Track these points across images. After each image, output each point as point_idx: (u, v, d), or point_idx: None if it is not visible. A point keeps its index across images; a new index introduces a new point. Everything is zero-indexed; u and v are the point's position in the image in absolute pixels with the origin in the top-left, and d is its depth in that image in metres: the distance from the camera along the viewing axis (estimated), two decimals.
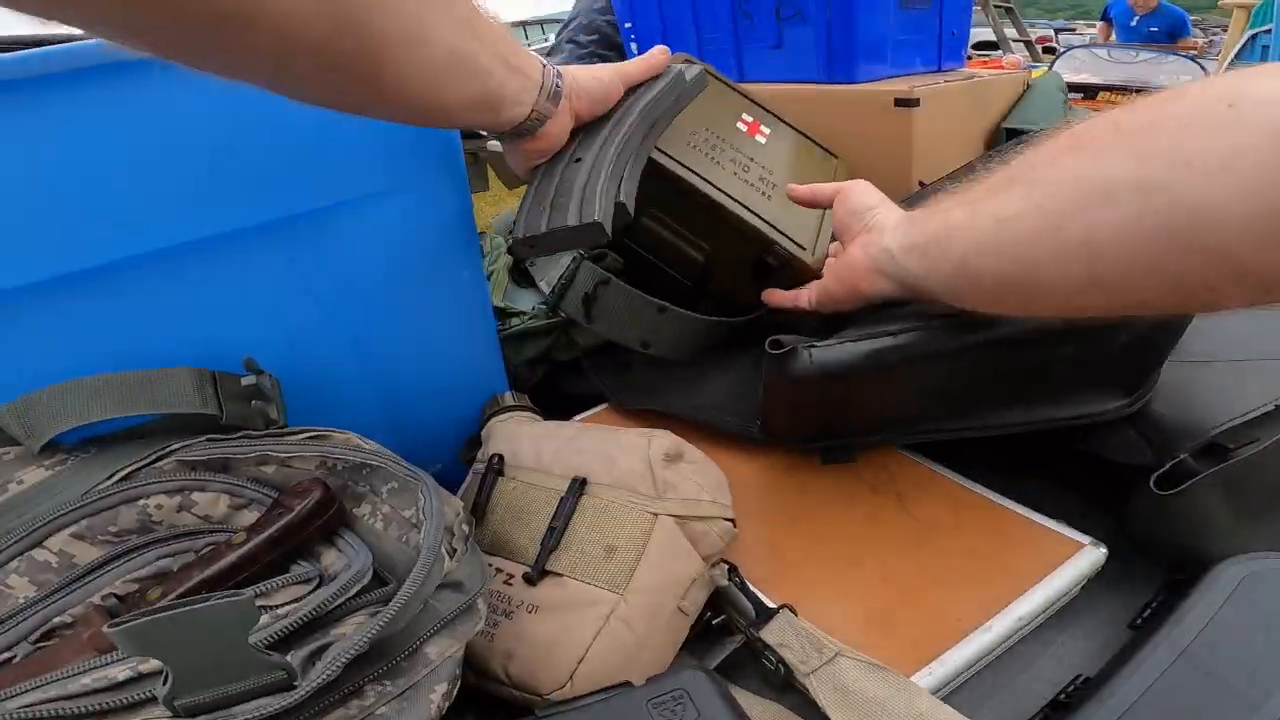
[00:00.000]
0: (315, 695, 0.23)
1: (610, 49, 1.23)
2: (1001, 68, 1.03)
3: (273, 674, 0.23)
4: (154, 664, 0.24)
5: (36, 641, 0.32)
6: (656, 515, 0.33)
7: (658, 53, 0.43)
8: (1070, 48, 1.94)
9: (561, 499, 0.35)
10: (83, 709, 0.24)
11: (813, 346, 0.37)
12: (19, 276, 0.31)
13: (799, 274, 0.49)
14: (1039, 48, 2.87)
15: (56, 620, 0.33)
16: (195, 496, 0.34)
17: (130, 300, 0.34)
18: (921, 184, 0.62)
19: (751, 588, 0.34)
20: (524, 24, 6.00)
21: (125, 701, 0.24)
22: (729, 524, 0.35)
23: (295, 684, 0.23)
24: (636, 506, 0.33)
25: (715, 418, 0.46)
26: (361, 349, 0.42)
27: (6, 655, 0.31)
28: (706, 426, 0.46)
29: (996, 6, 2.41)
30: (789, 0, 0.73)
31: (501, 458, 0.39)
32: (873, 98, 0.66)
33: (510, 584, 0.34)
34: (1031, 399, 0.39)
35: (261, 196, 0.36)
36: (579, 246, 0.44)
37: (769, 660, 0.33)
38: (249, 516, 0.35)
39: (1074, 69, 1.64)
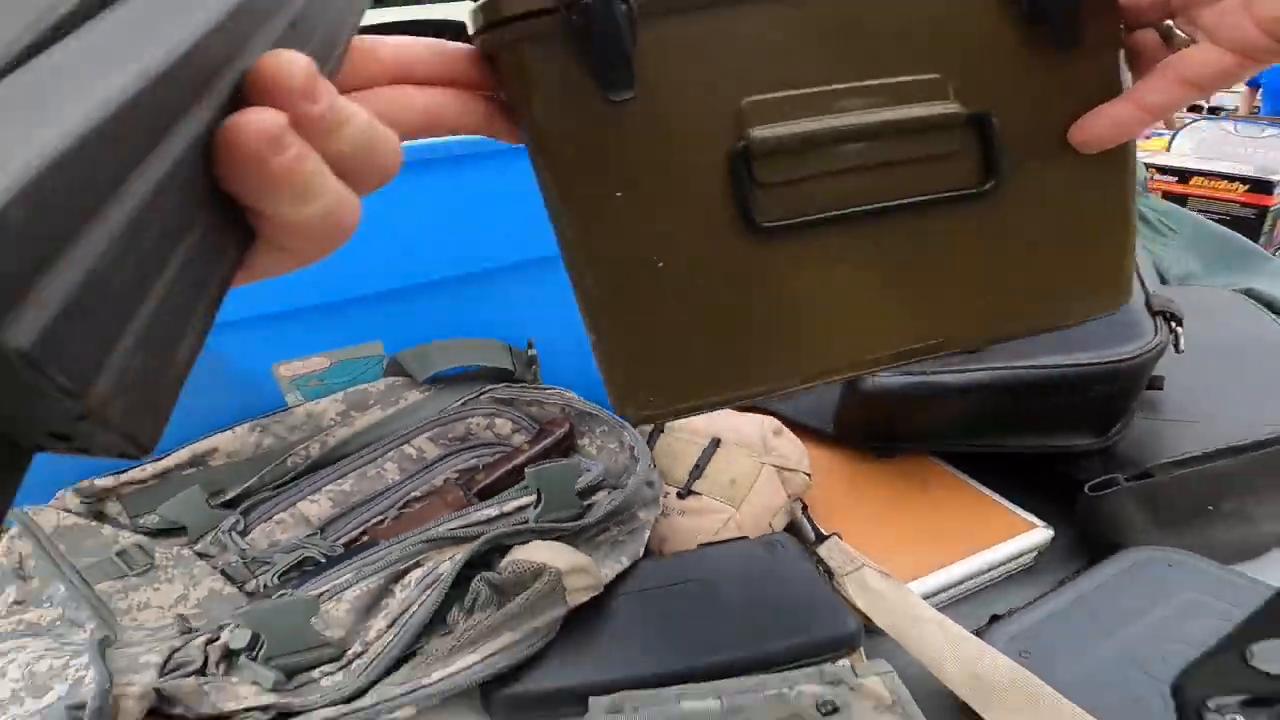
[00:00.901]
0: (594, 524, 0.46)
1: None
2: None
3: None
4: (491, 512, 0.48)
5: (400, 509, 0.57)
6: (763, 464, 0.54)
7: None
8: (1201, 116, 1.94)
9: (703, 449, 0.57)
10: (450, 537, 0.47)
11: (876, 374, 0.57)
12: (435, 272, 0.57)
13: None
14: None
15: (411, 495, 0.58)
16: (496, 421, 0.59)
17: (479, 295, 0.59)
18: None
19: (813, 519, 0.55)
20: None
21: (469, 535, 0.47)
22: (806, 477, 0.56)
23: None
24: (752, 458, 0.55)
25: (803, 418, 0.67)
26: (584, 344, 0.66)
27: (380, 518, 0.57)
28: (796, 422, 0.66)
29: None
30: None
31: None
32: None
33: (668, 498, 0.57)
34: (1025, 430, 0.57)
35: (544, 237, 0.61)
36: None
37: (820, 566, 0.53)
38: (520, 438, 0.59)
39: (1195, 143, 1.67)
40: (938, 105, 0.25)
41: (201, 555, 0.53)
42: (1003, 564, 0.52)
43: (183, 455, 0.52)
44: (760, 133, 0.24)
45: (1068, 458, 0.57)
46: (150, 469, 0.53)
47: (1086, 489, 0.50)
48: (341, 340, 0.55)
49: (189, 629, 0.45)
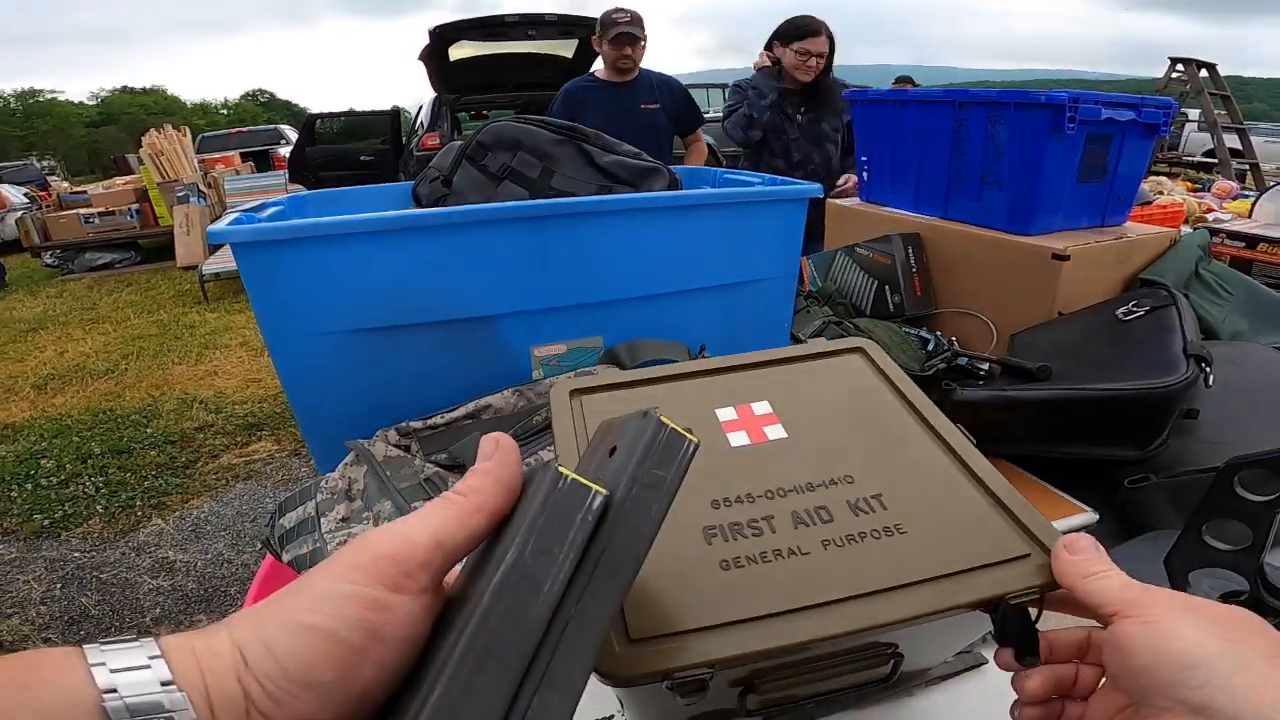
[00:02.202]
0: None
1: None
2: (1159, 219, 1.30)
3: None
4: None
5: None
6: None
7: (504, 458, 0.24)
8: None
9: None
10: None
11: (959, 388, 0.75)
12: (642, 290, 0.80)
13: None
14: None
15: None
16: None
17: (670, 309, 0.82)
18: (1060, 313, 0.96)
19: None
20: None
21: None
22: None
23: None
24: None
25: None
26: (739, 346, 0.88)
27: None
28: None
29: (1226, 128, 2.45)
30: (991, 170, 1.09)
31: None
32: (1035, 250, 1.01)
33: None
34: (1078, 439, 0.74)
35: (717, 272, 0.83)
36: None
37: None
38: None
39: (1278, 206, 1.75)
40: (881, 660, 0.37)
41: None
42: None
43: (467, 409, 0.76)
44: (764, 686, 0.34)
45: (1113, 464, 0.74)
46: (442, 419, 0.76)
47: (1126, 483, 0.67)
48: (575, 333, 0.78)
49: None
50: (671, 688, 0.28)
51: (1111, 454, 0.74)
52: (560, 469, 0.22)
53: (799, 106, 1.98)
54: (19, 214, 6.88)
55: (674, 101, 2.37)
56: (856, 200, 1.39)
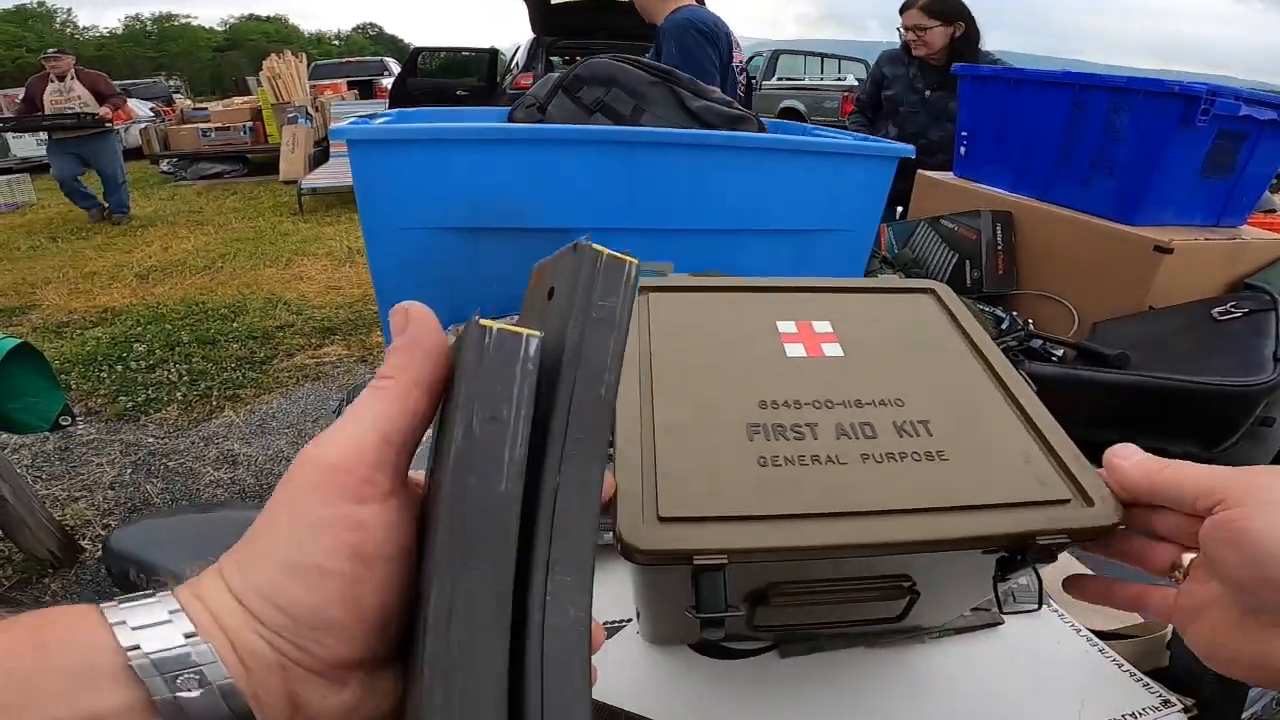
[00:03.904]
0: None
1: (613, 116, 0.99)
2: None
3: None
4: None
5: None
6: None
7: (419, 325, 0.21)
8: None
9: None
10: None
11: (1027, 362, 0.74)
12: (713, 224, 0.81)
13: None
14: None
15: None
16: None
17: (736, 244, 0.83)
18: (1151, 307, 0.92)
19: None
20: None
21: None
22: None
23: None
24: None
25: None
26: None
27: None
28: None
29: None
30: (1105, 156, 1.04)
31: None
32: (1137, 240, 0.96)
33: None
34: (1145, 430, 0.72)
35: (795, 217, 0.83)
36: None
37: None
38: None
39: None
40: (897, 592, 0.35)
41: None
42: None
43: None
44: (777, 601, 0.34)
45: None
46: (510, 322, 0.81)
47: None
48: (646, 256, 0.80)
49: None
50: (694, 576, 0.28)
51: (1172, 448, 0.71)
52: (481, 320, 0.19)
53: (932, 82, 1.95)
54: (143, 125, 7.41)
55: None
56: (950, 174, 1.34)
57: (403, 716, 0.20)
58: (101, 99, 4.72)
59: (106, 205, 5.11)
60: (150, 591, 0.19)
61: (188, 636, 0.18)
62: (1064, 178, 1.10)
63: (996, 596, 0.33)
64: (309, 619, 0.19)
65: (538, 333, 0.20)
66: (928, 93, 1.95)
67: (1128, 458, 0.29)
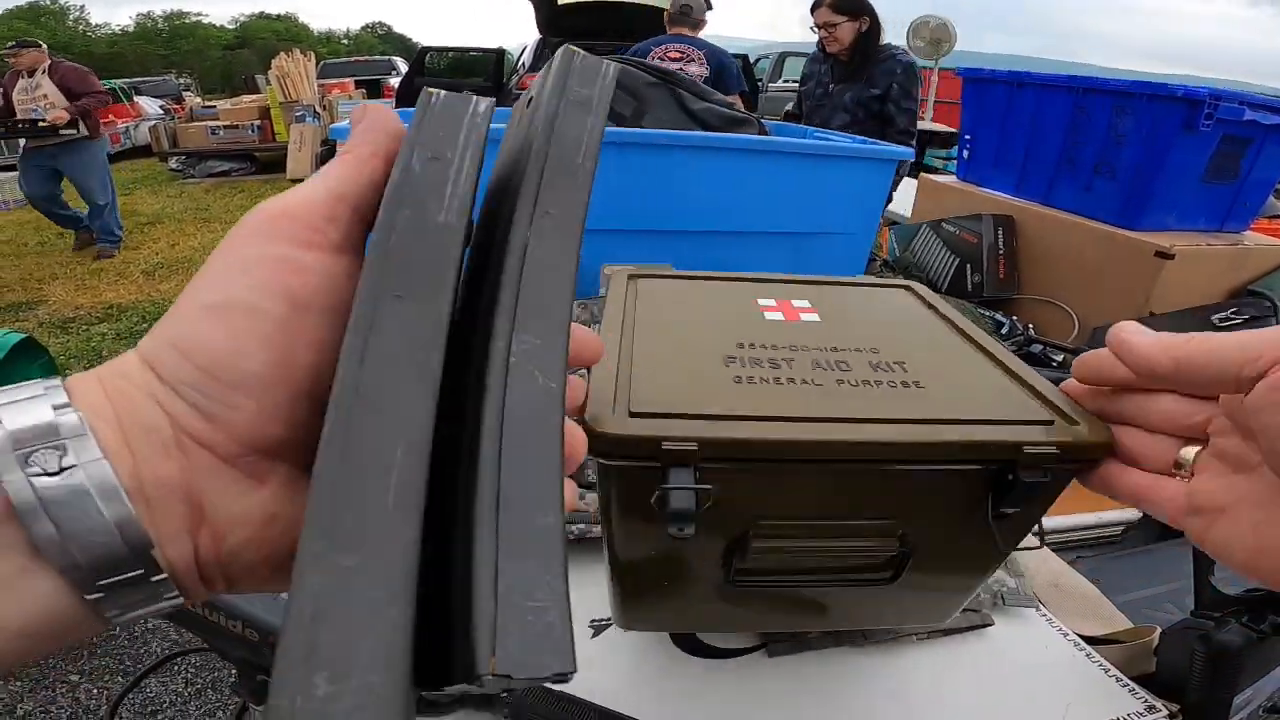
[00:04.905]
0: None
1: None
2: None
3: None
4: None
5: None
6: None
7: (377, 110, 0.21)
8: None
9: None
10: None
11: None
12: (709, 225, 0.81)
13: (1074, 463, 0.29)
14: None
15: None
16: None
17: (733, 245, 0.83)
18: (1152, 313, 0.91)
19: None
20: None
21: None
22: None
23: None
24: None
25: None
26: None
27: None
28: None
29: None
30: (1107, 161, 1.03)
31: None
32: (1138, 245, 0.95)
33: None
34: None
35: (795, 219, 0.83)
36: None
37: None
38: None
39: None
40: (885, 543, 0.33)
41: None
42: (1097, 526, 0.68)
43: None
44: (758, 545, 0.32)
45: None
46: None
47: None
48: (646, 257, 0.81)
49: None
50: (663, 471, 0.27)
51: None
52: (429, 89, 0.19)
53: (838, 76, 2.03)
54: (152, 123, 7.46)
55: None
56: (954, 178, 1.34)
57: None
58: (73, 97, 3.81)
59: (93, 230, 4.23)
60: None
61: (57, 408, 0.14)
62: (1066, 182, 1.09)
63: (994, 539, 0.31)
64: (222, 369, 0.15)
65: (488, 98, 0.19)
66: (831, 86, 2.03)
67: (1140, 332, 0.25)
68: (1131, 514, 0.69)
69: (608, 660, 0.45)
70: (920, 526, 0.33)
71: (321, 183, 0.18)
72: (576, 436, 0.20)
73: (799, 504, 0.31)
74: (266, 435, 0.16)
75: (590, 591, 0.47)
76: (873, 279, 0.48)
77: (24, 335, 1.44)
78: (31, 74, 3.88)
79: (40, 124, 3.75)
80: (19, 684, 1.37)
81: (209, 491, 0.15)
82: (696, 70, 2.53)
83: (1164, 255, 0.92)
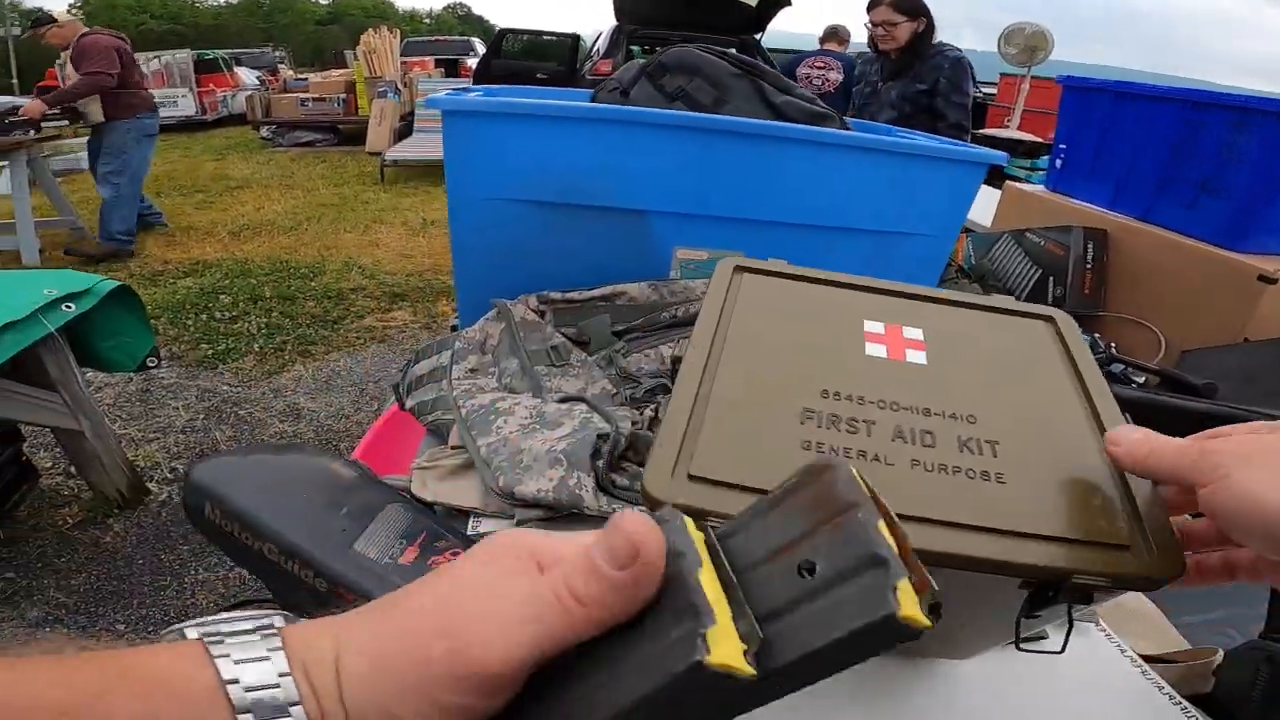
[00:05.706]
0: None
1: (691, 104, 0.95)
2: None
3: None
4: None
5: None
6: None
7: (642, 575, 0.19)
8: None
9: None
10: None
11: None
12: (787, 218, 0.81)
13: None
14: None
15: None
16: None
17: (809, 240, 0.83)
18: (1246, 339, 0.86)
19: None
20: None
21: None
22: None
23: None
24: None
25: None
26: None
27: None
28: None
29: None
30: (1217, 178, 0.97)
31: None
32: (1240, 267, 0.90)
33: None
34: None
35: (872, 218, 0.82)
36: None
37: None
38: None
39: None
40: None
41: (596, 365, 0.82)
42: None
43: (603, 291, 0.82)
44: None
45: None
46: (578, 296, 0.83)
47: None
48: (720, 244, 0.81)
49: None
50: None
51: None
52: (706, 657, 0.16)
53: (888, 74, 2.02)
54: (249, 93, 7.86)
55: None
56: (1041, 188, 1.29)
57: None
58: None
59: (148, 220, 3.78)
60: (252, 629, 0.20)
61: (281, 675, 0.19)
62: (1168, 198, 1.03)
63: (1017, 633, 0.30)
64: None
65: (750, 672, 0.16)
66: (880, 84, 2.02)
67: (1119, 443, 0.29)
68: None
69: None
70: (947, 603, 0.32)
71: (535, 636, 0.19)
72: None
73: None
74: None
75: None
76: (1009, 302, 0.43)
77: (119, 283, 1.54)
78: (67, 48, 3.36)
79: (8, 120, 3.15)
80: (67, 630, 1.44)
81: None
82: (835, 76, 2.97)
83: (1267, 280, 0.86)
